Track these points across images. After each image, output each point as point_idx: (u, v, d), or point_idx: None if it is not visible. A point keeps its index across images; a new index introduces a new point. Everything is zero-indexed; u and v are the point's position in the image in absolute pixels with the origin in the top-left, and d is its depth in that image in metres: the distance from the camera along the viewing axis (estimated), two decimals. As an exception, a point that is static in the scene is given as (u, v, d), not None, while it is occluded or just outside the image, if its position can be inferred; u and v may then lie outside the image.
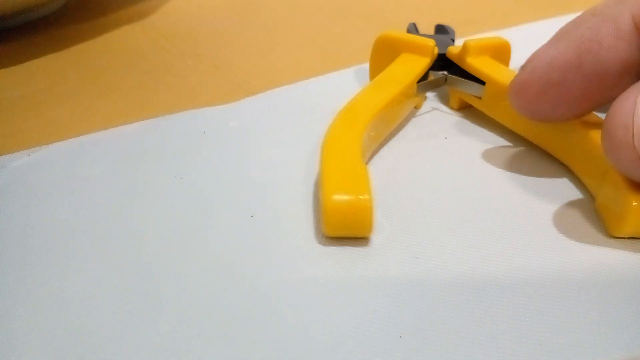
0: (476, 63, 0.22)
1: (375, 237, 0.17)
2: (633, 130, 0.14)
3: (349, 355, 0.13)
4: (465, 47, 0.22)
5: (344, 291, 0.15)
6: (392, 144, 0.21)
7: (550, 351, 0.13)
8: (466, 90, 0.22)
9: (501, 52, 0.23)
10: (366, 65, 0.27)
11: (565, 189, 0.19)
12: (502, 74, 0.21)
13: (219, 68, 0.28)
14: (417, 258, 0.16)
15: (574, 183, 0.19)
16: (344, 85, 0.26)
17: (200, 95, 0.26)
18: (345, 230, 0.16)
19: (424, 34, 0.24)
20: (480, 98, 0.22)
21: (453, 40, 0.24)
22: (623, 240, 0.16)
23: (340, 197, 0.16)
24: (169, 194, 0.19)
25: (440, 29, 0.26)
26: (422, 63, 0.22)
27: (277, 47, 0.31)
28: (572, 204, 0.18)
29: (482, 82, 0.21)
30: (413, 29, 0.25)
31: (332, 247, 0.17)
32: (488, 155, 0.21)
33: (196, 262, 0.16)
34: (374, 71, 0.23)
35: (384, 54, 0.23)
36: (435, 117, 0.23)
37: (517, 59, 0.23)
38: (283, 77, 0.26)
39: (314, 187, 0.19)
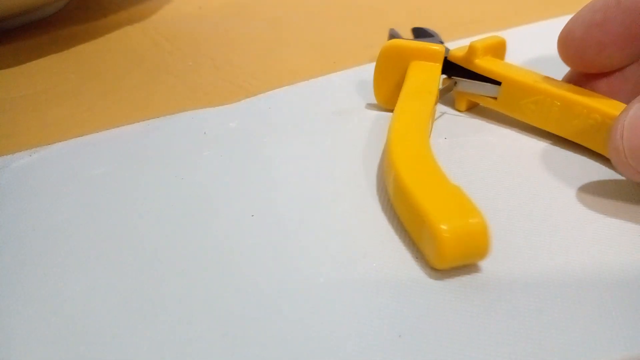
0: (486, 64, 0.21)
1: (377, 236, 0.17)
2: (624, 150, 0.16)
3: (349, 355, 0.13)
4: (472, 49, 0.22)
5: (344, 291, 0.15)
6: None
7: (549, 351, 0.13)
8: (480, 92, 0.22)
9: (500, 51, 0.23)
10: (366, 67, 0.27)
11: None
12: (517, 73, 0.21)
13: (219, 69, 0.28)
14: (417, 258, 0.16)
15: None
16: (344, 86, 0.26)
17: (200, 95, 0.26)
18: (461, 261, 0.15)
19: (412, 40, 0.24)
20: (495, 98, 0.21)
21: (442, 43, 0.24)
22: (622, 240, 0.16)
23: (454, 226, 0.14)
24: (169, 194, 0.19)
25: (422, 32, 0.25)
26: (436, 70, 0.22)
27: (277, 48, 0.31)
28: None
29: (496, 82, 0.21)
30: (396, 34, 0.25)
31: (332, 247, 0.17)
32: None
33: (196, 262, 0.16)
34: (381, 80, 0.23)
35: (391, 63, 0.22)
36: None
37: (517, 60, 0.23)
38: (283, 78, 0.26)
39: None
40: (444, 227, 0.14)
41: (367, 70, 0.25)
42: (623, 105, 0.19)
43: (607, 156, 0.19)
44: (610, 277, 0.15)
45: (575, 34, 0.18)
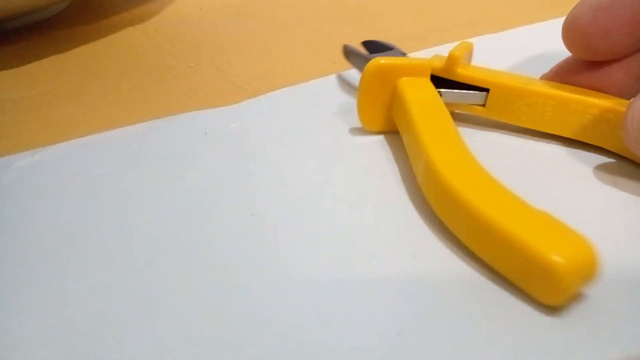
0: (469, 72, 0.21)
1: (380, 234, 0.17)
2: (633, 132, 0.17)
3: (349, 355, 0.14)
4: (453, 58, 0.21)
5: (344, 291, 0.15)
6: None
7: (550, 351, 0.13)
8: (467, 101, 0.21)
9: (470, 56, 0.22)
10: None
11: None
12: (504, 77, 0.21)
13: (220, 70, 0.28)
14: (417, 257, 0.16)
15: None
16: (344, 86, 0.26)
17: (201, 96, 0.26)
18: (577, 289, 0.14)
19: (372, 54, 0.23)
20: (483, 105, 0.21)
21: (405, 54, 0.23)
22: (623, 239, 0.16)
23: (567, 256, 0.13)
24: (170, 194, 0.19)
25: (377, 46, 0.24)
26: (427, 84, 0.21)
27: (278, 49, 0.31)
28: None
29: (483, 89, 0.21)
30: (353, 50, 0.24)
31: (332, 247, 0.17)
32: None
33: (196, 262, 0.16)
34: (367, 103, 0.21)
35: (378, 83, 0.21)
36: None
37: (512, 62, 0.23)
38: (284, 79, 0.27)
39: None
40: (558, 259, 0.13)
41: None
42: (619, 100, 0.19)
43: (607, 148, 0.19)
44: (610, 277, 0.15)
45: (581, 19, 0.18)
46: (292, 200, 0.19)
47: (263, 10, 0.36)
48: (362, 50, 0.25)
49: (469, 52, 0.22)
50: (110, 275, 0.16)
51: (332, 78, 0.27)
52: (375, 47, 0.24)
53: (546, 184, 0.19)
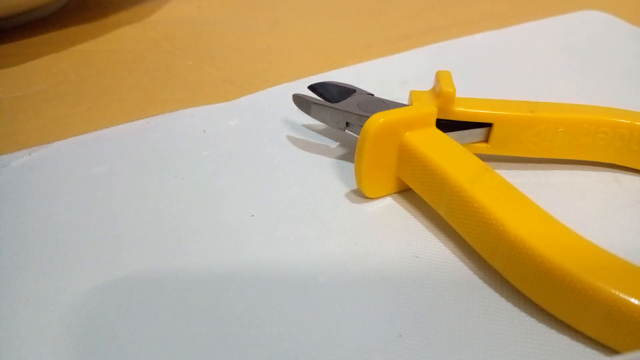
0: (467, 108, 0.19)
1: (375, 232, 0.17)
2: None
3: (349, 355, 0.13)
4: (447, 95, 0.18)
5: (344, 291, 0.15)
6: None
7: (550, 351, 0.13)
8: (468, 140, 0.19)
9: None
10: (365, 64, 0.27)
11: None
12: (507, 108, 0.19)
13: (219, 69, 0.28)
14: (417, 257, 0.16)
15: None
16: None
17: (200, 95, 0.26)
18: None
19: (322, 101, 0.20)
20: (486, 142, 0.19)
21: (372, 94, 0.21)
22: (621, 239, 0.16)
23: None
24: (169, 193, 0.19)
25: (334, 89, 0.21)
26: (437, 133, 0.18)
27: (277, 48, 0.31)
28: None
29: (485, 125, 0.19)
30: (312, 98, 0.20)
31: (332, 247, 0.17)
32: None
33: (195, 262, 0.16)
34: (370, 168, 0.18)
35: (383, 144, 0.18)
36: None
37: (512, 60, 0.23)
38: (283, 77, 0.26)
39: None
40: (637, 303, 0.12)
41: (366, 67, 0.26)
42: (632, 113, 0.19)
43: (619, 163, 0.19)
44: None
45: None
46: (292, 200, 0.19)
47: (262, 8, 0.36)
48: (313, 95, 0.21)
49: (451, 81, 0.19)
50: (109, 275, 0.16)
51: (331, 75, 0.26)
52: (330, 91, 0.21)
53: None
